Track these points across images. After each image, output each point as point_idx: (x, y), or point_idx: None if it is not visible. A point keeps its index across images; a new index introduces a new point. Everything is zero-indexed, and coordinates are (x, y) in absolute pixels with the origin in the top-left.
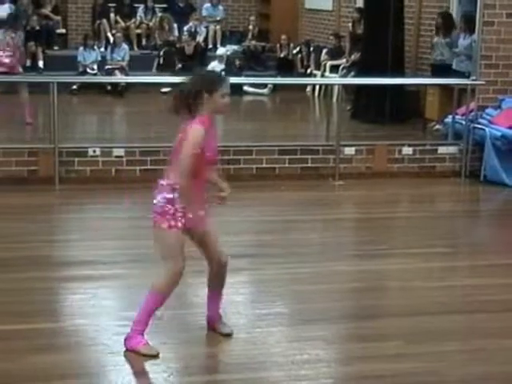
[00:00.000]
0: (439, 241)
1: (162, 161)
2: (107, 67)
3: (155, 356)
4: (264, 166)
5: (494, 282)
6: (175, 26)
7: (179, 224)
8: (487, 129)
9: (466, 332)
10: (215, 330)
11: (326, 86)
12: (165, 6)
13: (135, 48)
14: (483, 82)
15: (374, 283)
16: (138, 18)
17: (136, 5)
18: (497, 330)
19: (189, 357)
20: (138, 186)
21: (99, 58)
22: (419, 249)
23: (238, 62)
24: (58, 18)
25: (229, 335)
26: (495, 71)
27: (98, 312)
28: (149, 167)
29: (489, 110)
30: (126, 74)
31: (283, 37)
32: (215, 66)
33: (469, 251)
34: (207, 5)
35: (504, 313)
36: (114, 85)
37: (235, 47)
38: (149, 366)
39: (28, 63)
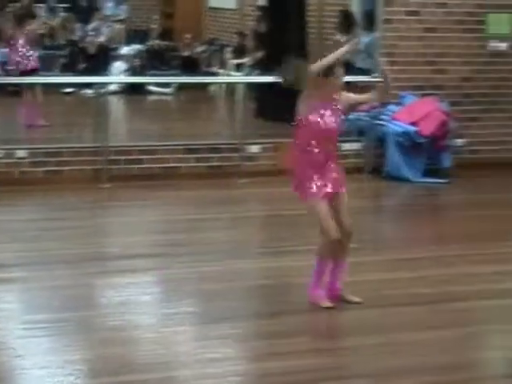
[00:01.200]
0: None
1: (65, 162)
2: (9, 68)
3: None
4: (169, 165)
5: (399, 276)
6: (78, 25)
7: None
8: (389, 125)
9: (373, 326)
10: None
11: (230, 84)
12: (67, 5)
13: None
14: None
15: (280, 280)
16: (41, 17)
17: (38, 4)
18: (403, 324)
19: (96, 358)
20: (41, 187)
21: (1, 59)
22: None
23: (141, 62)
24: None
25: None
26: (396, 68)
27: (2, 316)
28: (52, 168)
29: (390, 107)
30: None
31: (187, 36)
32: (119, 65)
33: (373, 246)
34: (110, 4)
35: (409, 306)
36: (17, 85)
37: (139, 46)
38: (55, 368)
39: None
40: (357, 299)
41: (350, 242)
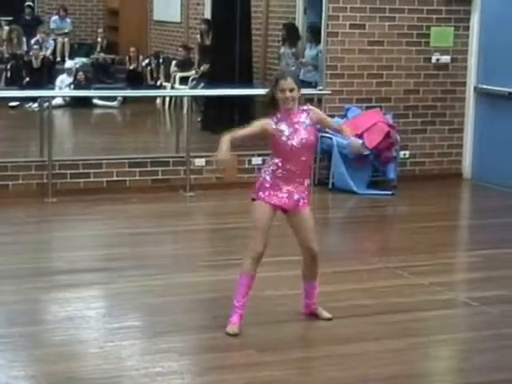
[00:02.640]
0: (289, 249)
1: (10, 176)
2: None
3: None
4: (115, 178)
5: (343, 288)
6: (22, 39)
7: None
8: (334, 137)
9: (317, 339)
10: (315, 316)
11: (176, 97)
12: (10, 18)
13: None
14: (329, 92)
15: (226, 293)
16: None
17: None
18: (347, 335)
19: (40, 374)
20: None
21: None
22: (270, 257)
23: (86, 75)
24: None
25: (330, 319)
26: (340, 81)
27: None
28: None
29: (335, 119)
30: None
31: (132, 49)
32: (64, 79)
33: (319, 259)
34: (55, 17)
35: (353, 318)
36: None
37: (84, 60)
38: None
39: None
40: (327, 315)
41: (317, 265)
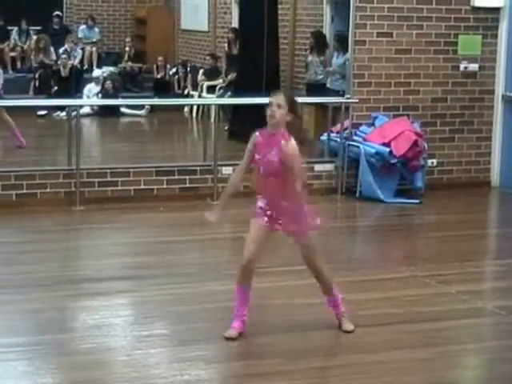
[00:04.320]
0: None
1: (38, 185)
2: None
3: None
4: (142, 187)
5: (370, 296)
6: (51, 48)
7: None
8: (361, 146)
9: (345, 347)
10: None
11: (204, 106)
12: (39, 28)
13: (10, 71)
14: (356, 100)
15: (254, 301)
16: (12, 40)
17: (10, 27)
18: (373, 344)
19: (68, 382)
20: (14, 210)
21: None
22: (298, 266)
23: (114, 84)
24: None
25: (351, 332)
26: (368, 89)
27: None
28: (24, 191)
29: (363, 128)
30: (1, 98)
31: (160, 58)
32: (92, 87)
33: (346, 267)
34: (83, 27)
35: (379, 327)
36: None
37: (111, 69)
38: None
39: None
40: (348, 328)
41: (322, 280)
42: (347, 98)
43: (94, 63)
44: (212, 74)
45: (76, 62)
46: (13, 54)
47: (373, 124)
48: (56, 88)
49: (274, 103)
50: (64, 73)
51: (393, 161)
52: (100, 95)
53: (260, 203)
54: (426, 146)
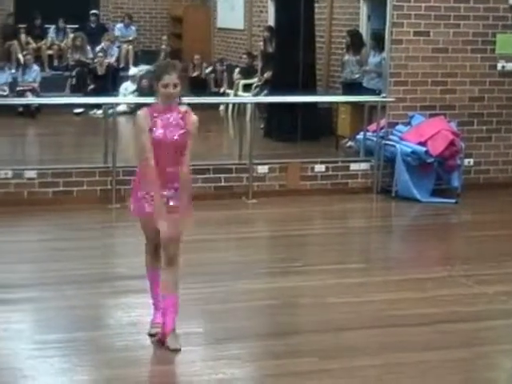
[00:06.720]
0: (353, 257)
1: (75, 182)
2: (18, 89)
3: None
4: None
5: (406, 296)
6: (87, 46)
7: None
8: (398, 145)
9: (380, 347)
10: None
11: (239, 104)
12: (76, 26)
13: (47, 69)
14: (393, 99)
15: (288, 300)
16: (50, 38)
17: (47, 25)
18: (410, 344)
19: (103, 379)
20: (50, 208)
21: (10, 80)
22: (333, 265)
23: (150, 82)
24: None
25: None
26: (404, 88)
27: (11, 336)
28: (61, 189)
29: (399, 127)
30: (38, 96)
31: (197, 56)
32: (128, 86)
33: (381, 266)
34: (119, 25)
35: (416, 327)
36: (26, 106)
37: (148, 67)
38: None
39: None
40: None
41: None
42: (383, 97)
43: (131, 61)
44: (248, 72)
45: (112, 60)
46: (50, 52)
47: (409, 123)
48: (92, 86)
49: (173, 83)
50: (100, 71)
51: (429, 160)
52: (136, 93)
53: None
54: (462, 145)
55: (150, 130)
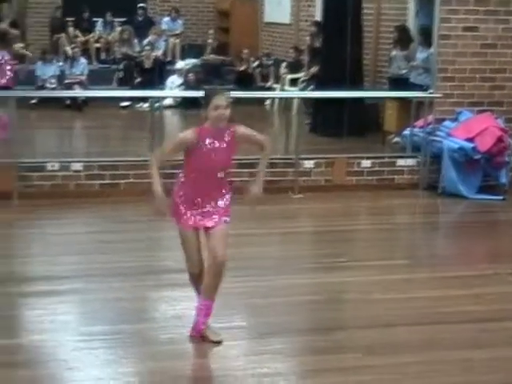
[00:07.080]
0: (398, 253)
1: (121, 175)
2: (66, 81)
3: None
4: None
5: (451, 293)
6: (134, 39)
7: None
8: (445, 141)
9: (424, 344)
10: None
11: (286, 99)
12: (124, 19)
13: (94, 62)
14: (440, 95)
15: (332, 296)
16: (97, 31)
17: (95, 19)
18: (454, 341)
19: (147, 371)
20: (96, 200)
21: (58, 73)
22: (378, 261)
23: (196, 76)
24: (17, 32)
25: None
26: (452, 84)
27: (57, 328)
28: (108, 181)
29: (446, 123)
30: (85, 88)
31: (245, 51)
32: (174, 79)
33: (427, 263)
34: (166, 19)
35: (460, 324)
36: (73, 99)
37: (194, 61)
38: (107, 380)
39: None
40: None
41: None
42: (431, 93)
43: (177, 55)
44: (295, 67)
45: (159, 53)
46: (97, 45)
47: (456, 119)
48: (139, 79)
49: (223, 105)
50: (147, 64)
51: (476, 156)
52: (183, 87)
53: None
54: (510, 141)
55: (194, 151)
